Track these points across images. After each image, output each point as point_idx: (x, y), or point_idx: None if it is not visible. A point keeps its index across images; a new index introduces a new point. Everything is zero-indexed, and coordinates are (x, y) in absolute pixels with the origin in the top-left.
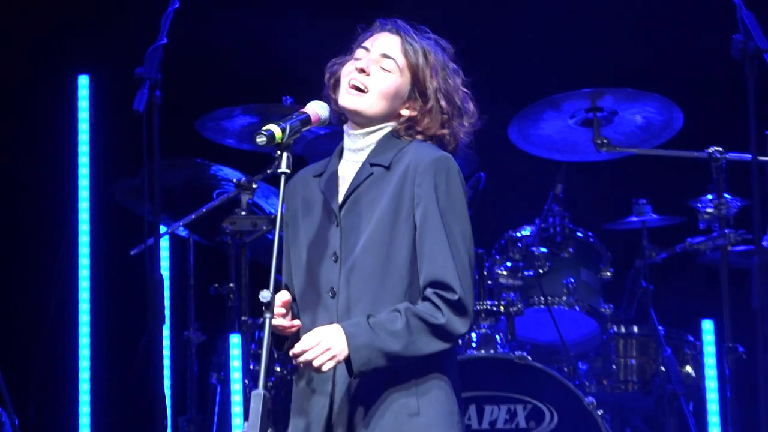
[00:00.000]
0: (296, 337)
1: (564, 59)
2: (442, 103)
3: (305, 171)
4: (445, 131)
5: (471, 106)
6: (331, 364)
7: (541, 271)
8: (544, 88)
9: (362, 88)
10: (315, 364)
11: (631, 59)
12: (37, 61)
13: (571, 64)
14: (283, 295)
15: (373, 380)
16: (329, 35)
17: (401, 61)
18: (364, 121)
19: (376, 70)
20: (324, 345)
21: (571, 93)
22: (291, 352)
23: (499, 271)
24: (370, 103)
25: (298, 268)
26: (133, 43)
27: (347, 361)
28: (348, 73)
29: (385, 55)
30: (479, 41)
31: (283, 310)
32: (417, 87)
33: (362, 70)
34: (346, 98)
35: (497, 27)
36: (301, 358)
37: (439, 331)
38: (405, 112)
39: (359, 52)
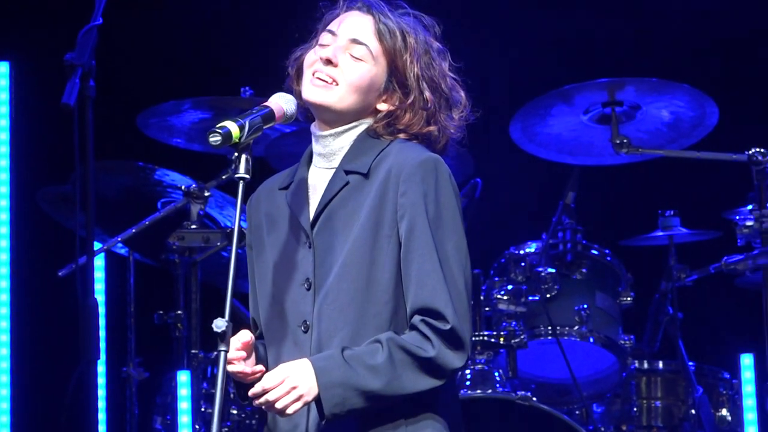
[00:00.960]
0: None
1: (577, 43)
2: (426, 94)
3: (269, 182)
4: (432, 128)
5: (461, 94)
6: (298, 405)
7: (548, 295)
8: (553, 78)
9: (329, 82)
10: (278, 406)
11: (657, 44)
12: None
13: (585, 49)
14: (243, 335)
15: (351, 426)
16: (299, 15)
17: (374, 46)
18: (333, 118)
19: (345, 59)
20: (289, 383)
21: (585, 84)
22: (251, 392)
23: (499, 296)
24: (339, 97)
25: (264, 298)
26: (61, 24)
27: (318, 401)
28: (311, 63)
29: (355, 41)
30: (476, 23)
31: (243, 354)
32: (395, 76)
33: (329, 61)
34: (311, 91)
35: (498, 6)
36: (262, 399)
37: (428, 365)
38: (383, 107)
39: (324, 37)
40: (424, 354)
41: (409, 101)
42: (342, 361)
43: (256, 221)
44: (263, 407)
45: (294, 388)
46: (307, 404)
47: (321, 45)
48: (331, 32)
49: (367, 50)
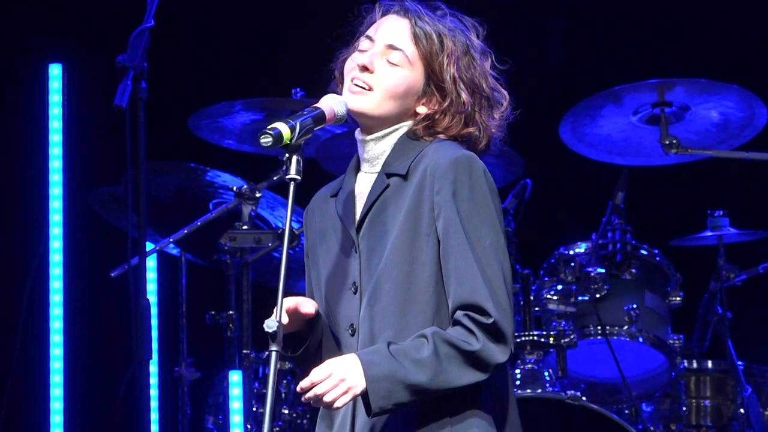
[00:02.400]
0: (314, 357)
1: (627, 44)
2: (463, 96)
3: (322, 191)
4: (471, 129)
5: (503, 93)
6: (346, 398)
7: (597, 295)
8: (603, 79)
9: (366, 88)
10: (326, 399)
11: (706, 45)
12: (1, 49)
13: (635, 50)
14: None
15: (398, 426)
16: (347, 16)
17: (411, 50)
18: (372, 123)
19: (382, 65)
20: (337, 377)
21: (634, 84)
22: (299, 387)
23: (548, 296)
24: (376, 103)
25: (320, 304)
26: (113, 26)
27: (365, 396)
28: (350, 70)
29: (392, 46)
30: (526, 24)
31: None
32: (433, 79)
33: (365, 68)
34: (349, 98)
35: (546, 7)
36: (310, 393)
37: (472, 359)
38: (422, 110)
39: (363, 43)
40: (469, 347)
41: (446, 104)
42: (388, 354)
43: (311, 231)
44: (311, 402)
45: (342, 380)
46: (355, 397)
47: (360, 51)
48: (369, 38)
49: (403, 55)
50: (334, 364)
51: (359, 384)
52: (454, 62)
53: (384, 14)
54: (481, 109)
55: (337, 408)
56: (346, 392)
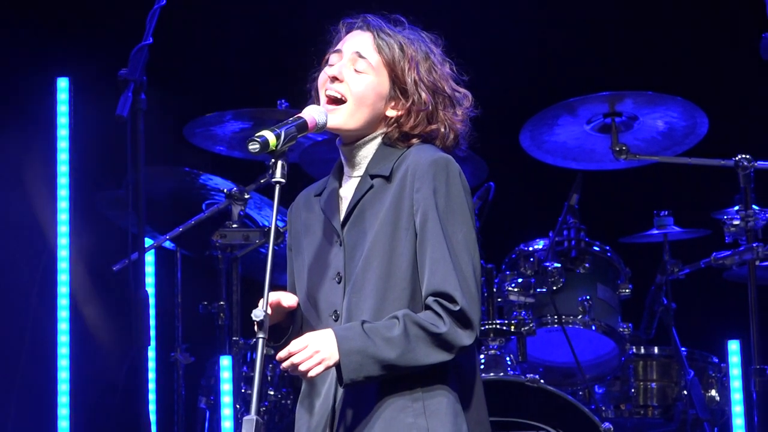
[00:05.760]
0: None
1: (580, 60)
2: (424, 96)
3: (306, 191)
4: (434, 126)
5: (464, 93)
6: (320, 369)
7: (554, 287)
8: (559, 92)
9: (339, 97)
10: (302, 368)
11: (652, 60)
12: (12, 63)
13: (587, 65)
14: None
15: (373, 392)
16: (329, 32)
17: (374, 58)
18: (350, 134)
19: (350, 73)
20: (312, 348)
21: (587, 96)
22: (277, 356)
23: (510, 288)
24: (349, 114)
25: (300, 293)
26: (116, 43)
27: (338, 367)
28: (323, 83)
29: (358, 54)
30: (489, 41)
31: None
32: (397, 84)
33: (335, 78)
34: (328, 117)
35: (508, 26)
36: (287, 363)
37: (439, 340)
38: (391, 113)
39: (332, 58)
40: (436, 330)
41: (409, 104)
42: (362, 331)
43: (295, 226)
44: (289, 370)
45: (316, 352)
46: (329, 368)
47: (329, 65)
48: (338, 51)
49: (368, 63)
50: (310, 337)
51: (333, 356)
52: (415, 67)
53: (348, 30)
54: (445, 108)
55: (311, 377)
56: (319, 363)
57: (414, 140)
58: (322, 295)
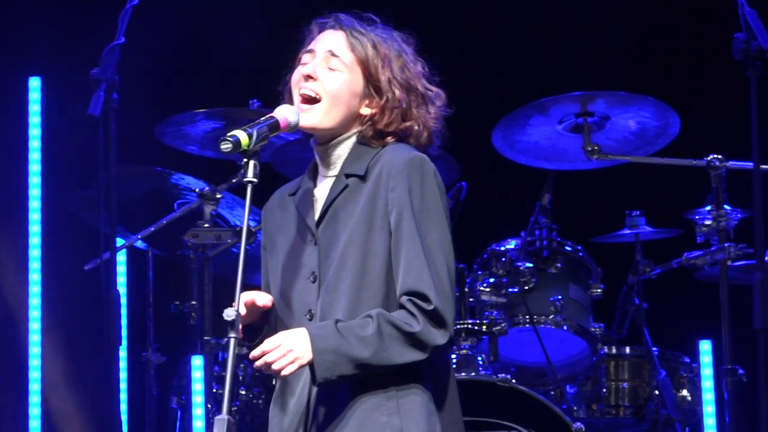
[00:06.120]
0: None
1: (552, 60)
2: (397, 93)
3: (280, 190)
4: (408, 123)
5: (437, 91)
6: (293, 367)
7: (526, 287)
8: (531, 92)
9: (313, 95)
10: (275, 367)
11: (624, 60)
12: None
13: (559, 65)
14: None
15: (346, 390)
16: (301, 32)
17: (348, 57)
18: (325, 134)
19: (323, 72)
20: (285, 347)
21: (559, 96)
22: (251, 355)
23: (482, 288)
24: (324, 112)
25: (275, 292)
26: (87, 42)
27: (311, 366)
28: (296, 82)
29: (331, 53)
30: (461, 40)
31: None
32: (370, 82)
33: (309, 77)
34: (300, 117)
35: (480, 25)
36: (260, 361)
37: (412, 339)
38: (365, 111)
39: (305, 57)
40: (409, 329)
41: (383, 101)
42: (335, 330)
43: (269, 226)
44: (262, 369)
45: (290, 351)
46: (302, 367)
47: (302, 64)
48: (310, 51)
49: (340, 61)
50: (284, 335)
51: (306, 355)
52: (388, 65)
53: (321, 30)
54: (418, 106)
55: (284, 376)
56: (293, 362)
57: (388, 138)
58: (296, 295)
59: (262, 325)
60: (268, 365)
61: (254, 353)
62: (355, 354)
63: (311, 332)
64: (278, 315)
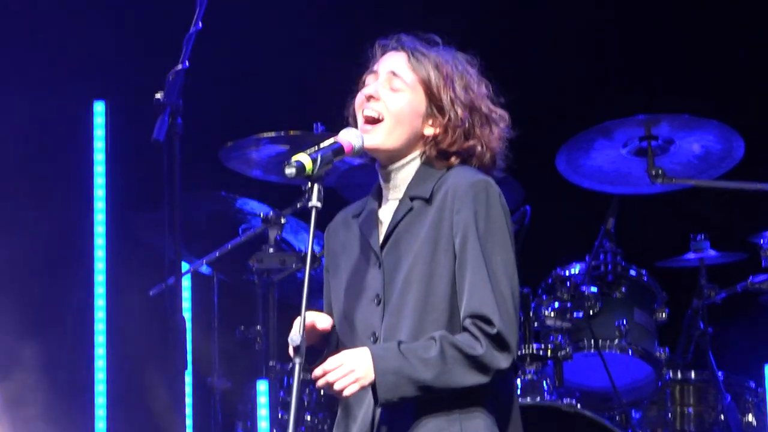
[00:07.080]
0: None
1: (616, 84)
2: (460, 112)
3: (344, 212)
4: (471, 142)
5: (500, 112)
6: (354, 387)
7: (591, 312)
8: (595, 115)
9: (376, 116)
10: (336, 387)
11: (689, 83)
12: (48, 87)
13: (623, 89)
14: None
15: (410, 413)
16: (365, 56)
17: (410, 77)
18: (390, 155)
19: (386, 92)
20: (347, 367)
21: (624, 120)
22: (313, 374)
23: (546, 313)
24: (387, 132)
25: (337, 314)
26: (152, 67)
27: (373, 387)
28: (360, 104)
29: (393, 74)
30: (525, 66)
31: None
32: (433, 101)
33: (371, 97)
34: (364, 138)
35: (544, 51)
36: (322, 380)
37: (475, 363)
38: (428, 131)
39: (367, 79)
40: (473, 352)
41: (446, 120)
42: (398, 352)
43: (332, 247)
44: (323, 388)
45: (352, 371)
46: (363, 388)
47: (365, 86)
48: (373, 72)
49: (402, 81)
50: (346, 355)
51: (368, 376)
52: (450, 84)
53: (383, 52)
54: (481, 126)
55: (346, 396)
56: (354, 382)
57: (452, 159)
58: (359, 317)
59: (322, 348)
60: (329, 384)
61: (316, 372)
62: (417, 376)
63: (374, 353)
64: (339, 337)
